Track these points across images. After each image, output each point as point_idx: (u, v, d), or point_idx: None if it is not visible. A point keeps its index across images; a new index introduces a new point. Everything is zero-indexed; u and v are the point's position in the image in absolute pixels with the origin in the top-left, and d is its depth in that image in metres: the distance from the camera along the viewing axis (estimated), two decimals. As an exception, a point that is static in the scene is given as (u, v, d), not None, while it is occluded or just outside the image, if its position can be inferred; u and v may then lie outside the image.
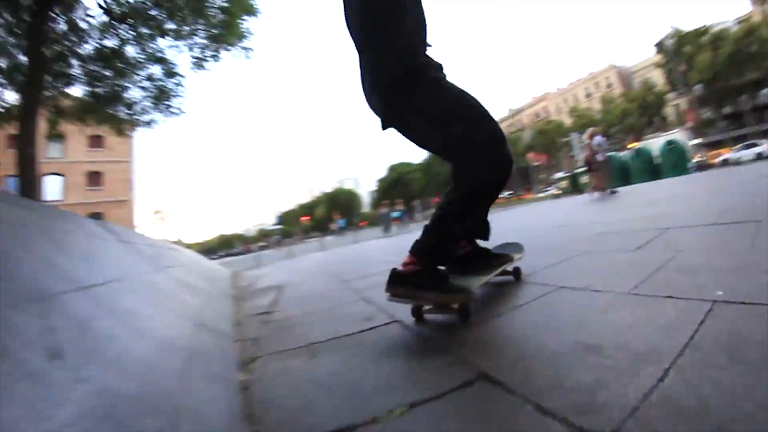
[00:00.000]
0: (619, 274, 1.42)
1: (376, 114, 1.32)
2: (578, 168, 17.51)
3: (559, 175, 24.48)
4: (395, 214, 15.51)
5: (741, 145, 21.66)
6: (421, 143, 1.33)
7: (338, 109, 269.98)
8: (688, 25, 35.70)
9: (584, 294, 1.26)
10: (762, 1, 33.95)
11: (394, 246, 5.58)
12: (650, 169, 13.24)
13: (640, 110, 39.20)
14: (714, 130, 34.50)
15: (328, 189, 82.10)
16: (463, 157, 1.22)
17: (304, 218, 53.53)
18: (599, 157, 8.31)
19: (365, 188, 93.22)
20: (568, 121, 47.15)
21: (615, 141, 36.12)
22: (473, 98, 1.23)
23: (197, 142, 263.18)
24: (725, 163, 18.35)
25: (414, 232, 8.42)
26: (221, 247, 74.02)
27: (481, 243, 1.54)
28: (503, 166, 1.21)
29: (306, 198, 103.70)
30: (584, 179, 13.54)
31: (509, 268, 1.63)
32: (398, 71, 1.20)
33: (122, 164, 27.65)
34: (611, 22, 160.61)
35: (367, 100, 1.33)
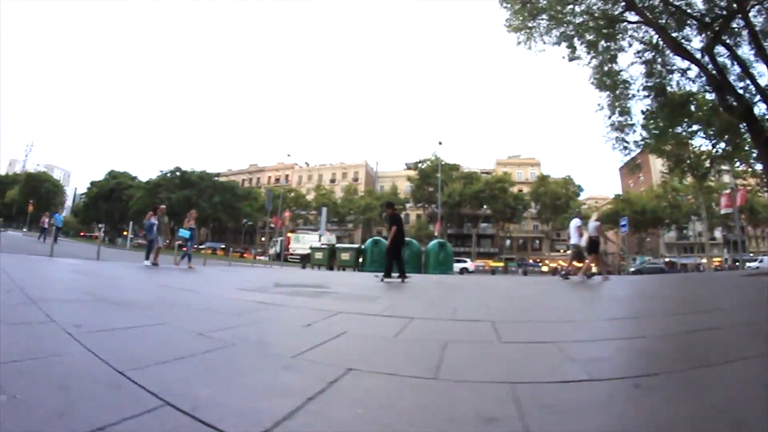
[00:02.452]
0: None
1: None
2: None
3: (317, 245, 19.72)
4: (184, 233, 9.65)
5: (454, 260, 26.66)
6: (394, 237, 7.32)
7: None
8: (445, 158, 44.97)
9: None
10: (504, 164, 53.97)
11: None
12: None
13: (381, 208, 45.60)
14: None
15: (32, 168, 67.55)
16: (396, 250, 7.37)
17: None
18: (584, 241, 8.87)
19: (74, 187, 79.19)
20: (309, 196, 51.52)
21: (348, 230, 47.16)
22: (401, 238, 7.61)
23: None
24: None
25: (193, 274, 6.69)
26: None
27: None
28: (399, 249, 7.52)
29: (2, 168, 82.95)
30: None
31: (403, 279, 7.05)
32: (403, 238, 7.81)
33: None
34: (379, 132, 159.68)
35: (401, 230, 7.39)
